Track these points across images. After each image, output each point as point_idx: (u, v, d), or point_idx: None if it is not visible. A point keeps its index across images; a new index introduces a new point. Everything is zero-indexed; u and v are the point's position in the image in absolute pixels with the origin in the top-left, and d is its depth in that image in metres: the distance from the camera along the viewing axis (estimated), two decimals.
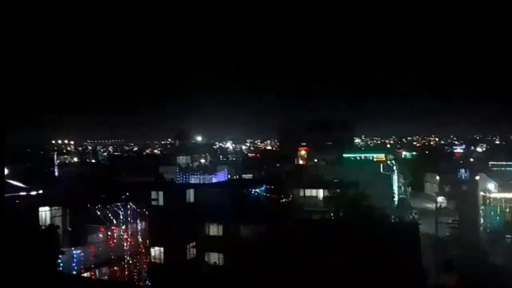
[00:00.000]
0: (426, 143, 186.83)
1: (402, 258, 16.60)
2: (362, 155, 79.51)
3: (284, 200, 37.16)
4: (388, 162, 76.29)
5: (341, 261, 16.12)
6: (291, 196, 40.33)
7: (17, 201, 22.76)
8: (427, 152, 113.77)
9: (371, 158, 75.34)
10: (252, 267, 17.59)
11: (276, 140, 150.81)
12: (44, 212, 24.23)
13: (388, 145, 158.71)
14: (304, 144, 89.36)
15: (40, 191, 23.92)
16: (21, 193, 24.08)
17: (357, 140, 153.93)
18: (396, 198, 56.75)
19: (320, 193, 42.84)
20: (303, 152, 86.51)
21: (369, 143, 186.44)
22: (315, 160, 74.64)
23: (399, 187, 65.33)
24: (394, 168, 67.01)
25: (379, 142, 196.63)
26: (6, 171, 34.35)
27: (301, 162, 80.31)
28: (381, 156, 77.46)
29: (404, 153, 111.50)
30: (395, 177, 62.26)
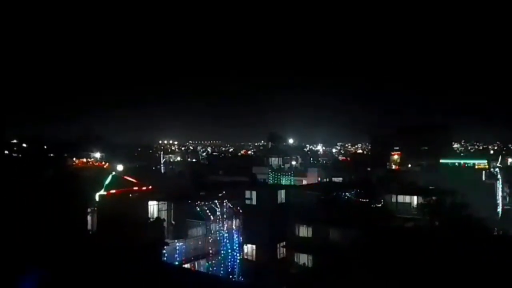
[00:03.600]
0: None
1: (507, 276, 14.93)
2: (461, 162, 73.47)
3: (375, 205, 35.69)
4: (491, 169, 69.37)
5: (436, 275, 15.01)
6: (382, 201, 38.61)
7: (130, 195, 24.74)
8: None
9: (471, 165, 69.33)
10: (341, 272, 17.19)
11: (367, 144, 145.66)
12: (152, 206, 26.12)
13: (492, 151, 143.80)
14: (397, 148, 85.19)
15: (150, 187, 25.74)
16: (134, 188, 26.04)
17: (455, 146, 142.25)
18: (500, 209, 51.28)
19: (414, 199, 40.33)
20: (395, 157, 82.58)
21: (469, 148, 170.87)
22: (409, 165, 70.85)
23: (503, 197, 58.87)
24: (498, 176, 60.61)
25: (481, 148, 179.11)
26: (121, 168, 37.74)
27: (393, 167, 76.82)
28: (483, 163, 70.79)
29: (510, 160, 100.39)
30: (499, 186, 56.28)
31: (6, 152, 56.25)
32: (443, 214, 30.99)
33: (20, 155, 62.75)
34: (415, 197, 40.19)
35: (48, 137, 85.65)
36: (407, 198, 40.93)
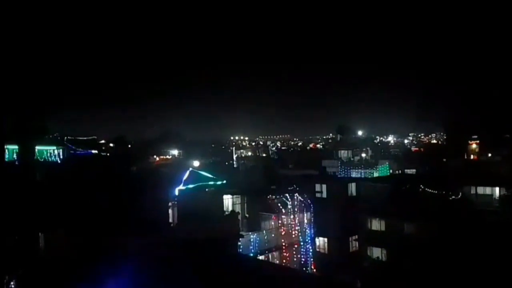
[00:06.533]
0: None
1: None
2: None
3: (452, 197, 33.50)
4: None
5: None
6: (460, 193, 36.10)
7: (206, 189, 25.67)
8: None
9: None
10: (418, 267, 16.38)
11: (442, 133, 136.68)
12: (227, 200, 26.88)
13: None
14: (476, 137, 79.19)
15: (224, 181, 26.44)
16: (209, 182, 26.98)
17: None
18: None
19: (496, 191, 37.19)
20: (474, 146, 77.05)
21: None
22: (489, 155, 65.70)
23: None
24: None
25: None
26: (197, 164, 39.15)
27: (472, 156, 71.76)
28: None
29: None
30: None
31: (95, 151, 61.17)
32: None
33: (108, 154, 67.98)
34: (497, 189, 37.08)
35: (131, 137, 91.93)
36: (487, 190, 37.87)
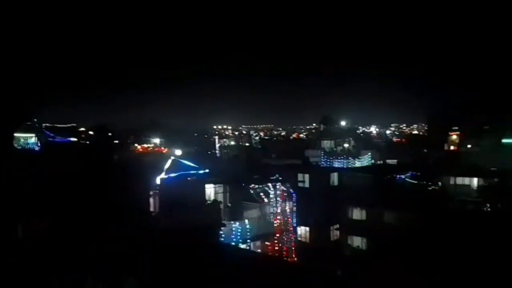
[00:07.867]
0: None
1: None
2: None
3: (432, 188, 34.29)
4: None
5: (498, 260, 14.23)
6: (439, 183, 36.96)
7: (188, 178, 25.55)
8: None
9: None
10: (397, 255, 16.79)
11: (423, 124, 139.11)
12: (209, 189, 26.80)
13: None
14: (456, 128, 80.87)
15: (206, 170, 26.36)
16: (191, 171, 26.81)
17: None
18: None
19: (474, 181, 38.21)
20: (454, 137, 78.64)
21: None
22: (468, 146, 67.21)
23: None
24: None
25: None
26: (180, 153, 38.92)
27: (451, 147, 73.33)
28: None
29: None
30: None
31: (75, 139, 60.10)
32: (506, 196, 29.23)
33: (87, 142, 66.93)
34: (475, 179, 38.05)
35: (112, 125, 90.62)
36: (466, 180, 38.85)
